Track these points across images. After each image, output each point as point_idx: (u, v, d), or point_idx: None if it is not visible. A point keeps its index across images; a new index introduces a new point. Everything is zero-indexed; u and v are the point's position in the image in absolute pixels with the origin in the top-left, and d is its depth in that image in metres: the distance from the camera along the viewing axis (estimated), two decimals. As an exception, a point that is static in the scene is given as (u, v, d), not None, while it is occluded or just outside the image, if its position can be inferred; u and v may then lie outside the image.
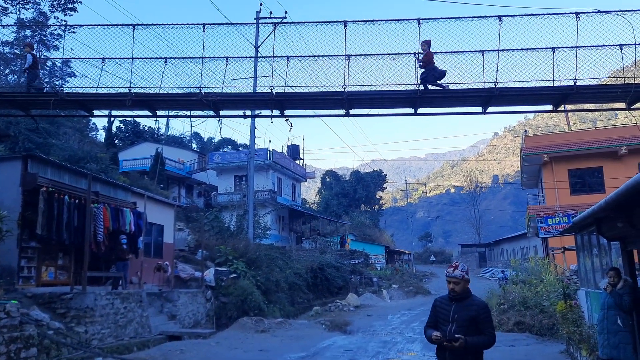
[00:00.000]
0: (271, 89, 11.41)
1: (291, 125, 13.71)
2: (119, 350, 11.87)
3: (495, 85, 10.67)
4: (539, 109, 13.38)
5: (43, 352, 9.94)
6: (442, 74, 10.98)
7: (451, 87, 10.97)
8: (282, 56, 11.63)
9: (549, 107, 11.84)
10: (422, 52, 10.97)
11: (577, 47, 10.66)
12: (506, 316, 16.78)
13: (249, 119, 25.88)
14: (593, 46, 10.69)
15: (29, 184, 12.47)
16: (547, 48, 10.79)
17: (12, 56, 30.55)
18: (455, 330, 4.34)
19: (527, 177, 32.78)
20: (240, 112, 14.67)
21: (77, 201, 13.52)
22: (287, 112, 12.43)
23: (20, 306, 10.17)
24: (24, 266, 12.86)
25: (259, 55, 20.54)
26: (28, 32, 32.65)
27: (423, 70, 11.01)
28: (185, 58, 12.01)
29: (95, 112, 13.18)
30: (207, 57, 11.79)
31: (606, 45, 10.66)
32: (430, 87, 11.03)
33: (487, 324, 4.41)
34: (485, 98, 11.06)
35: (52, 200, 12.73)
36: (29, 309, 10.81)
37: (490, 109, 11.50)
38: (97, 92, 11.73)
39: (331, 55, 11.35)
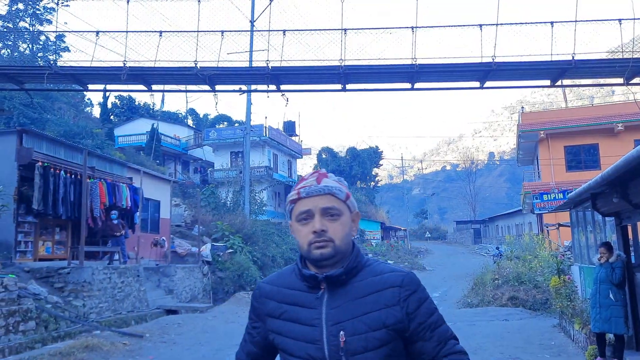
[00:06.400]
0: (267, 63, 11.31)
1: (287, 101, 13.62)
2: (117, 323, 11.98)
3: (493, 59, 10.61)
4: (536, 84, 13.34)
5: (41, 326, 10.02)
6: None
7: (449, 61, 10.91)
8: (279, 30, 11.52)
9: (547, 83, 11.80)
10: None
11: (575, 21, 10.58)
12: (500, 291, 16.96)
13: (245, 94, 25.68)
14: (592, 20, 10.62)
15: (24, 158, 12.41)
16: (545, 22, 10.71)
17: (5, 30, 30.10)
18: None
19: (523, 153, 32.82)
20: (236, 87, 14.54)
21: (73, 176, 13.49)
22: (283, 87, 12.36)
23: (18, 280, 10.21)
24: (21, 241, 12.90)
25: (254, 29, 20.33)
26: (21, 6, 32.16)
27: None
28: (181, 32, 11.89)
29: (90, 87, 13.08)
30: (203, 31, 11.67)
31: (605, 20, 10.60)
32: None
33: (438, 329, 1.60)
34: (483, 73, 11.01)
35: (48, 175, 12.69)
36: (26, 283, 10.86)
37: (488, 83, 11.46)
38: (92, 65, 11.62)
39: (328, 29, 11.25)
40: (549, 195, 23.49)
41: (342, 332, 1.49)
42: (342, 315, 1.52)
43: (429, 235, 69.28)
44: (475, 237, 67.49)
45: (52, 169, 12.84)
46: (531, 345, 9.93)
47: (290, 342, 1.57)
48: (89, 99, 44.98)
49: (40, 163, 12.50)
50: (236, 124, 50.01)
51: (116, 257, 14.56)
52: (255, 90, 15.17)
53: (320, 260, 1.56)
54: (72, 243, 14.29)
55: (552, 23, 10.66)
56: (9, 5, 31.21)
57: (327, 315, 1.53)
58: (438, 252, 50.73)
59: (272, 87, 12.21)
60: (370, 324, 1.51)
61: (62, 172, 13.16)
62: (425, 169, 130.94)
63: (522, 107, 36.05)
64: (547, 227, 24.32)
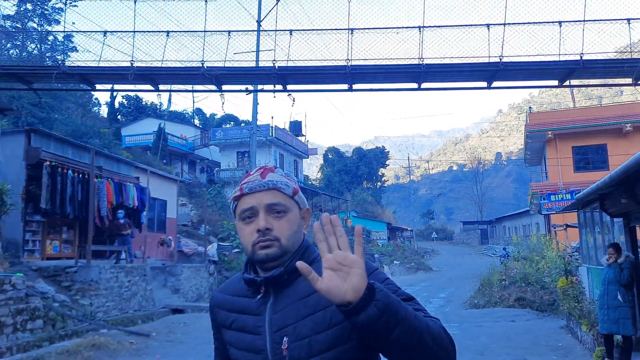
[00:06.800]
0: (274, 63, 11.32)
1: (294, 101, 13.61)
2: (123, 322, 12.02)
3: (500, 59, 10.56)
4: (544, 84, 13.26)
5: (49, 324, 10.07)
6: None
7: (456, 61, 10.87)
8: (285, 30, 11.52)
9: (555, 83, 11.73)
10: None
11: (584, 21, 10.51)
12: (507, 292, 16.90)
13: (251, 94, 25.69)
14: (600, 20, 10.54)
15: (32, 158, 12.49)
16: (553, 22, 10.64)
17: (13, 30, 30.30)
18: None
19: (531, 154, 32.68)
20: (243, 87, 14.56)
21: (80, 175, 13.56)
22: (289, 87, 12.35)
23: (26, 279, 10.28)
24: (29, 239, 12.98)
25: (261, 29, 20.34)
26: (29, 6, 32.35)
27: None
28: (188, 32, 11.92)
29: (98, 86, 13.12)
30: (210, 31, 11.69)
31: (614, 20, 10.52)
32: None
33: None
34: (491, 72, 10.96)
35: (56, 175, 12.77)
36: (34, 282, 10.92)
37: (495, 83, 11.40)
38: (99, 65, 11.66)
39: (334, 29, 11.24)
40: (556, 196, 23.36)
41: (285, 339, 1.34)
42: (285, 320, 1.36)
43: (436, 236, 69.13)
44: (482, 238, 67.29)
45: (59, 169, 12.91)
46: (538, 346, 9.88)
47: (239, 354, 1.44)
48: (96, 98, 45.18)
49: (48, 162, 12.57)
50: (242, 124, 50.10)
51: (123, 256, 14.62)
52: (262, 90, 15.17)
53: (265, 261, 1.41)
54: (80, 242, 14.36)
55: (560, 23, 10.60)
56: (17, 6, 31.41)
57: (271, 321, 1.38)
58: (445, 253, 50.62)
59: (279, 87, 12.21)
60: (314, 327, 1.33)
61: (70, 171, 13.24)
62: (432, 169, 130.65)
63: (530, 107, 35.91)
64: (554, 228, 24.21)
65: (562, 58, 10.62)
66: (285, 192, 1.45)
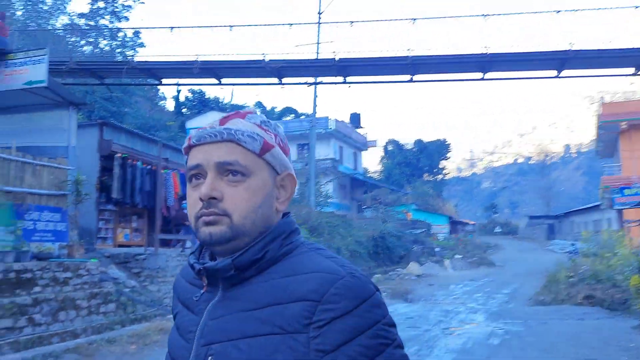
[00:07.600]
0: (334, 55, 11.36)
1: (354, 92, 13.60)
2: (188, 309, 12.45)
3: (571, 46, 10.11)
4: (618, 73, 12.60)
5: (120, 308, 10.59)
6: None
7: (522, 49, 10.51)
8: (345, 21, 11.56)
9: (630, 71, 11.12)
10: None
11: (664, 4, 9.90)
12: (575, 289, 16.24)
13: (311, 87, 25.84)
14: (683, 3, 9.88)
15: (104, 149, 13.13)
16: (629, 7, 10.09)
17: (87, 27, 31.88)
18: None
19: (603, 146, 31.17)
20: (303, 80, 14.69)
21: (149, 167, 14.13)
22: (349, 79, 12.35)
23: (99, 265, 10.85)
24: (102, 227, 13.70)
25: (321, 21, 20.40)
26: (101, 4, 33.93)
27: None
28: (250, 25, 12.18)
29: (164, 81, 13.61)
30: (271, 24, 11.91)
31: (698, 2, 9.83)
32: None
33: None
34: (560, 61, 10.53)
35: (126, 166, 13.37)
36: (106, 268, 11.51)
37: (565, 72, 10.94)
38: (166, 60, 12.10)
39: (396, 19, 11.15)
40: (630, 190, 22.21)
41: (210, 358, 0.94)
42: (219, 333, 0.95)
43: (499, 230, 67.27)
44: (548, 233, 64.91)
45: (129, 160, 13.51)
46: (609, 346, 9.46)
47: (168, 357, 1.07)
48: (162, 92, 46.87)
49: (119, 154, 13.18)
50: (302, 117, 50.55)
51: (188, 245, 15.14)
52: (322, 83, 15.25)
53: (210, 244, 1.01)
54: (148, 231, 14.99)
55: (636, 7, 10.03)
56: (90, 4, 33.01)
57: (203, 328, 0.98)
58: (509, 248, 49.18)
59: (339, 78, 12.25)
60: (249, 354, 0.90)
61: (139, 162, 13.82)
62: (496, 161, 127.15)
63: (602, 97, 34.21)
64: (627, 224, 23.03)
65: (638, 45, 10.06)
66: (247, 147, 0.99)
